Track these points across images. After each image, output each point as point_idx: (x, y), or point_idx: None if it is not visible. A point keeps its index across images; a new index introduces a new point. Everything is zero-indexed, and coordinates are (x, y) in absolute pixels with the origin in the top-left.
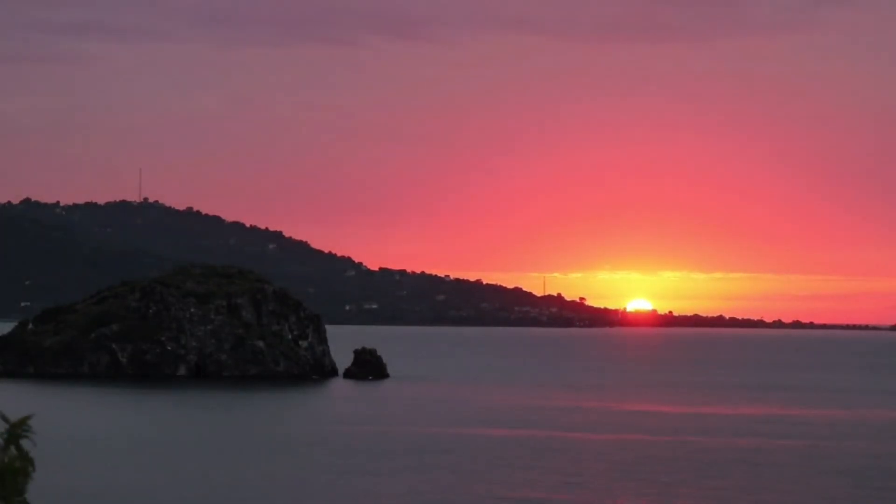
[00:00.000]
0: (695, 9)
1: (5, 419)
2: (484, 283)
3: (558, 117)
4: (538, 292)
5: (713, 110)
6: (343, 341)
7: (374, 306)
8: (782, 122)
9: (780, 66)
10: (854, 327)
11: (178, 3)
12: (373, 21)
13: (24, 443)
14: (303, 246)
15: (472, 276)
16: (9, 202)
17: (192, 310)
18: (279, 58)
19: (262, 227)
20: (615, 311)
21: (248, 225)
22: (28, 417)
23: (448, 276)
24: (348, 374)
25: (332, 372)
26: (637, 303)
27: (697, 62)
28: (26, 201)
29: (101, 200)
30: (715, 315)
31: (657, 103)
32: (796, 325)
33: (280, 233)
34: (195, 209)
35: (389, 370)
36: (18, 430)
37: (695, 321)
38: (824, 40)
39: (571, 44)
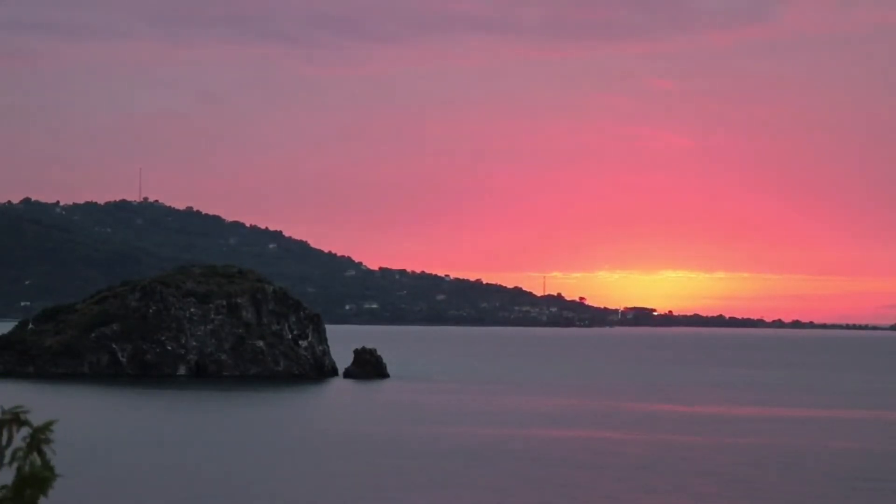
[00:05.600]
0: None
1: (28, 424)
2: (484, 283)
3: (553, 117)
4: (538, 292)
5: (701, 110)
6: (343, 341)
7: (374, 306)
8: (778, 121)
9: (757, 64)
10: (854, 327)
11: (132, 3)
12: (326, 21)
13: (47, 449)
14: (303, 246)
15: (472, 276)
16: (9, 202)
17: (192, 310)
18: (264, 57)
19: (262, 227)
20: (615, 311)
21: (248, 225)
22: (52, 422)
23: (448, 276)
24: (348, 374)
25: (332, 372)
26: (637, 302)
27: (674, 60)
28: (26, 201)
29: (101, 200)
30: (715, 315)
31: (648, 101)
32: (796, 324)
33: (280, 233)
34: (195, 209)
35: (389, 370)
36: (42, 435)
37: (695, 321)
38: (787, 35)
39: (527, 43)
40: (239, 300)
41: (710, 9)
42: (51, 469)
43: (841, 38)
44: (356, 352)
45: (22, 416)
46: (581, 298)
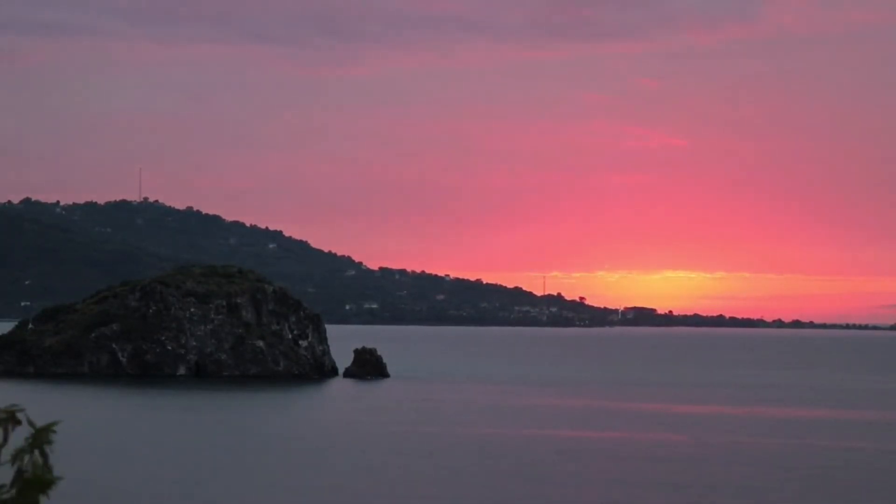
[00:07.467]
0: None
1: (31, 424)
2: (484, 283)
3: (547, 117)
4: (538, 292)
5: (690, 109)
6: (343, 341)
7: (374, 306)
8: (773, 120)
9: (746, 63)
10: (854, 327)
11: (130, 3)
12: (317, 21)
13: (48, 450)
14: (303, 246)
15: (472, 276)
16: (9, 202)
17: (192, 309)
18: (261, 57)
19: (262, 226)
20: (615, 311)
21: (248, 225)
22: (55, 423)
23: (448, 276)
24: (348, 374)
25: (333, 372)
26: (637, 302)
27: (660, 60)
28: (26, 201)
29: (101, 200)
30: (715, 315)
31: (637, 101)
32: (796, 324)
33: (280, 232)
34: (195, 209)
35: (389, 370)
36: (44, 436)
37: (695, 321)
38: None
39: (515, 43)
40: (239, 300)
41: (694, 8)
42: (50, 471)
43: (826, 37)
44: (356, 351)
45: (17, 416)
46: (581, 298)
